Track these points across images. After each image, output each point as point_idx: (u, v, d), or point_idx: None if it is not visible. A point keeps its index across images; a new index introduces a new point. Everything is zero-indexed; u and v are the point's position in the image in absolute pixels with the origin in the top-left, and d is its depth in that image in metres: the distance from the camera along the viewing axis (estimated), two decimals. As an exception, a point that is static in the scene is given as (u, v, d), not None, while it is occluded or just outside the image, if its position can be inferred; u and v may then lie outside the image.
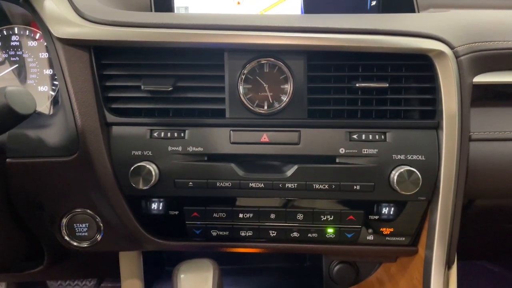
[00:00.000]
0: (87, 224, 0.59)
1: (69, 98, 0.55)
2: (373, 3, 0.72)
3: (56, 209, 0.59)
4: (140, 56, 0.56)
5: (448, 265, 0.55)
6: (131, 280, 0.66)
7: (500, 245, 0.72)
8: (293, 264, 0.71)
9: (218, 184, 0.55)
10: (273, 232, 0.57)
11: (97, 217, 0.59)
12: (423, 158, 0.54)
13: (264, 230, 0.57)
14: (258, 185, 0.55)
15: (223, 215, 0.57)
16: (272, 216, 0.57)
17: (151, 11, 0.70)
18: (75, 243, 0.60)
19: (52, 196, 0.58)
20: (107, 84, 0.56)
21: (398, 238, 0.57)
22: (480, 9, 0.75)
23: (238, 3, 0.75)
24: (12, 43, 0.66)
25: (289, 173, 0.55)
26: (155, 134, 0.56)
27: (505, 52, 0.55)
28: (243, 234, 0.58)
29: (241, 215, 0.57)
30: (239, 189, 0.56)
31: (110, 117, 0.56)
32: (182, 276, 0.49)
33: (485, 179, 0.55)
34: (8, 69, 0.67)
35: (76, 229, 0.59)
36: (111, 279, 0.86)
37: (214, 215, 0.57)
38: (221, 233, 0.58)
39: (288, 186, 0.55)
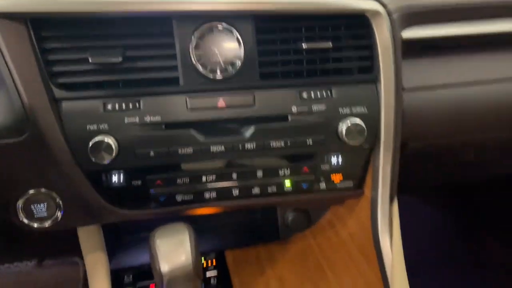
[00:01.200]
0: (45, 203, 0.58)
1: (11, 75, 0.52)
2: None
3: (9, 192, 0.57)
4: (84, 26, 0.54)
5: (391, 202, 0.63)
6: (94, 254, 0.66)
7: (433, 180, 0.84)
8: (248, 217, 0.76)
9: (179, 151, 0.57)
10: (236, 190, 0.61)
11: (55, 195, 0.58)
12: (366, 111, 0.59)
13: (227, 190, 0.60)
14: (219, 148, 0.58)
15: (187, 180, 0.59)
16: (234, 176, 0.60)
17: None
18: (35, 225, 0.58)
19: (3, 179, 0.56)
20: (51, 58, 0.53)
21: (346, 184, 0.64)
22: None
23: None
24: None
25: (247, 134, 0.58)
26: (109, 107, 0.55)
27: (430, 9, 0.61)
28: (207, 195, 0.60)
29: (204, 178, 0.59)
30: (201, 154, 0.58)
31: (59, 93, 0.54)
32: (158, 241, 0.51)
33: (418, 124, 0.63)
34: None
35: (34, 210, 0.58)
36: (53, 257, 0.84)
37: (178, 181, 0.59)
38: (186, 197, 0.60)
39: (247, 147, 0.58)
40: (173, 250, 0.49)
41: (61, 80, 0.54)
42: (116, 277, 0.66)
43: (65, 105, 0.54)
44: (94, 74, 0.55)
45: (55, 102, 0.54)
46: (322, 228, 0.72)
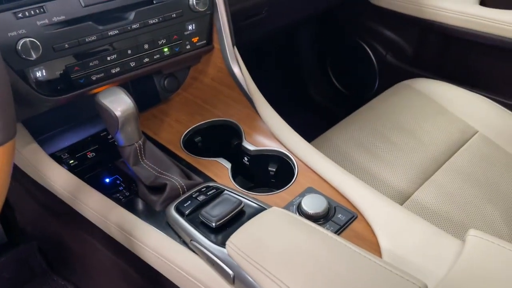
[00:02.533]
0: None
1: None
2: None
3: None
4: None
5: (233, 47, 0.94)
6: (30, 145, 0.80)
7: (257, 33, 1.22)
8: (134, 84, 0.97)
9: (86, 39, 0.75)
10: (132, 62, 0.83)
11: None
12: (205, -14, 0.87)
13: (126, 63, 0.82)
14: (114, 32, 0.78)
15: (96, 62, 0.78)
16: (129, 52, 0.82)
17: None
18: None
19: None
20: None
21: (202, 42, 0.92)
22: None
23: None
24: None
25: (131, 17, 0.79)
26: (20, 15, 0.69)
27: None
28: (113, 71, 0.81)
29: (108, 58, 0.80)
30: (102, 39, 0.77)
31: None
32: (104, 98, 0.70)
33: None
34: None
35: None
36: None
37: (90, 64, 0.78)
38: (98, 76, 0.79)
39: (133, 27, 0.80)
40: (118, 100, 0.71)
41: None
42: (54, 158, 0.82)
43: (-18, 20, 0.66)
44: None
45: None
46: (190, 84, 1.01)
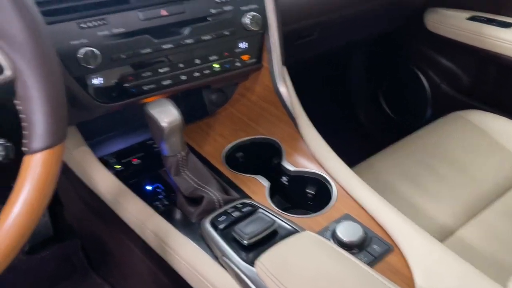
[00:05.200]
0: None
1: None
2: None
3: None
4: None
5: (282, 67, 0.95)
6: (80, 148, 0.85)
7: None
8: (184, 104, 1.00)
9: (141, 51, 0.79)
10: (183, 76, 0.86)
11: None
12: (257, 6, 0.89)
13: (177, 76, 0.85)
14: (168, 46, 0.81)
15: (149, 73, 0.82)
16: (181, 65, 0.85)
17: None
18: None
19: None
20: None
21: (252, 60, 0.94)
22: None
23: None
24: None
25: (186, 32, 0.82)
26: (83, 25, 0.73)
27: None
28: (164, 83, 0.84)
29: (161, 70, 0.83)
30: (157, 52, 0.81)
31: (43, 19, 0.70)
32: (152, 109, 0.74)
33: (287, 15, 0.95)
34: None
35: None
36: None
37: (143, 75, 0.81)
38: (150, 86, 0.83)
39: (187, 42, 0.83)
40: (166, 111, 0.73)
41: (43, 8, 0.70)
42: (102, 161, 0.86)
43: (50, 29, 0.71)
44: (65, 1, 0.72)
45: None
46: (237, 100, 1.02)
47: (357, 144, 1.66)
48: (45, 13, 0.70)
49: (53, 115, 0.50)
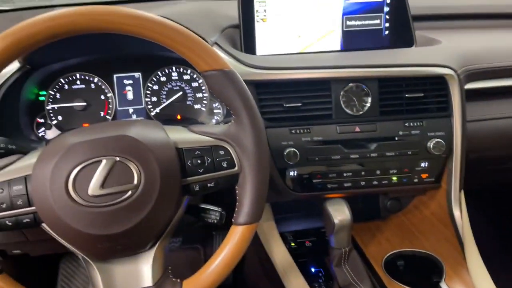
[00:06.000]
0: None
1: None
2: (386, 32, 1.14)
3: None
4: (281, 86, 0.95)
5: (459, 191, 1.00)
6: (268, 223, 1.06)
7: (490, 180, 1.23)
8: (359, 204, 1.13)
9: (332, 157, 0.97)
10: (362, 182, 1.00)
11: None
12: (444, 134, 0.97)
13: (357, 181, 0.99)
14: (355, 156, 0.97)
15: (335, 175, 0.98)
16: (363, 173, 0.99)
17: (241, 51, 1.07)
18: None
19: None
20: (262, 104, 0.95)
21: (430, 179, 1.01)
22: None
23: (299, 36, 1.14)
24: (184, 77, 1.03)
25: (372, 147, 0.97)
26: (293, 131, 0.95)
27: (487, 70, 0.99)
28: (345, 185, 0.99)
29: (345, 174, 0.99)
30: (344, 159, 0.97)
31: (266, 123, 0.94)
32: (330, 206, 0.89)
33: (476, 142, 1.00)
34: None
35: None
36: None
37: (329, 175, 0.98)
38: (333, 186, 0.99)
39: (371, 155, 0.97)
40: (340, 210, 0.88)
41: (266, 116, 0.95)
42: (281, 236, 1.05)
43: (269, 131, 0.95)
44: (285, 113, 0.96)
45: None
46: (410, 210, 1.10)
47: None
48: (268, 120, 0.95)
49: (257, 201, 0.71)
